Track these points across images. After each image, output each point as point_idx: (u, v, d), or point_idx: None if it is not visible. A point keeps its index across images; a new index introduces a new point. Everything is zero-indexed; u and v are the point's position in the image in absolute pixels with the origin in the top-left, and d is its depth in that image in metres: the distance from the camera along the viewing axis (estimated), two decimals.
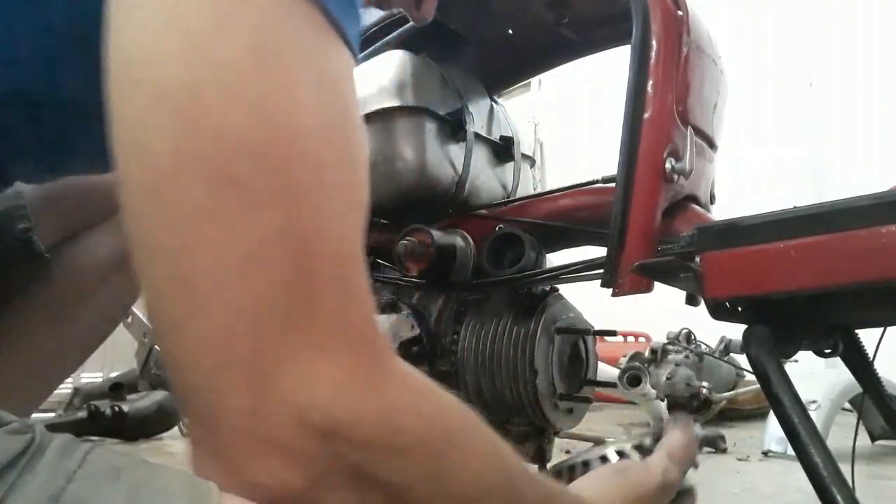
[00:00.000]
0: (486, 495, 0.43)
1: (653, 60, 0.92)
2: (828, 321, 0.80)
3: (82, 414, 2.30)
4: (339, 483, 0.37)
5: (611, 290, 0.89)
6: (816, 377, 1.93)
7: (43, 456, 0.31)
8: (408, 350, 1.06)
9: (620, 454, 0.56)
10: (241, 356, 0.35)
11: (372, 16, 1.25)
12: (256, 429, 0.35)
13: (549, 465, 0.58)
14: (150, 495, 0.32)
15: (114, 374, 2.69)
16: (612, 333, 1.18)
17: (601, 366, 1.20)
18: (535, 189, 1.40)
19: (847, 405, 2.06)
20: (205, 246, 0.35)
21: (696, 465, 0.68)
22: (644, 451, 0.57)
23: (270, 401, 0.35)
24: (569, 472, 0.60)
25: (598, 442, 2.12)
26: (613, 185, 0.93)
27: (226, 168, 0.35)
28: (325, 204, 0.38)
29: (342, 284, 0.38)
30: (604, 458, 0.56)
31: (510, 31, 1.25)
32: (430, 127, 1.08)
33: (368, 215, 0.41)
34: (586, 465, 0.59)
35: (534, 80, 4.62)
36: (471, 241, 1.08)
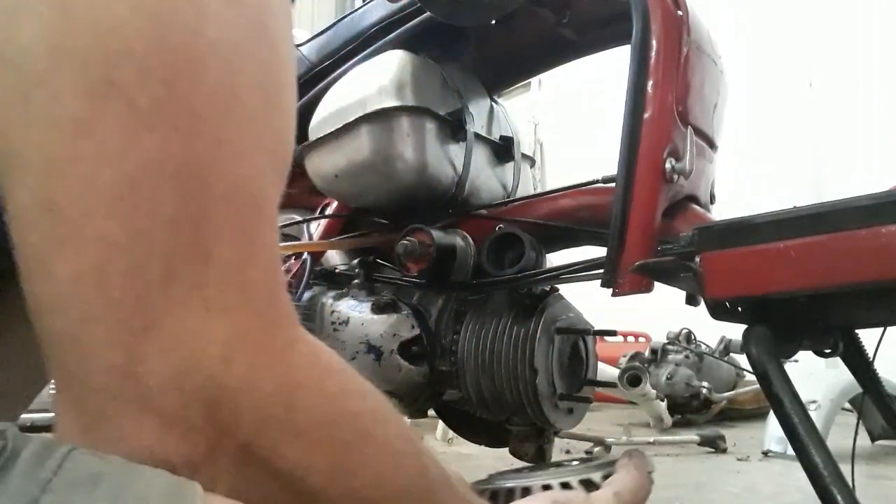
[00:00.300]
0: (395, 499, 0.37)
1: (653, 60, 0.92)
2: (828, 321, 0.80)
3: None
4: (227, 464, 0.33)
5: (611, 290, 0.89)
6: (816, 377, 1.94)
7: (15, 464, 0.29)
8: (408, 350, 1.06)
9: (565, 486, 0.54)
10: (115, 302, 0.30)
11: (372, 16, 1.25)
12: (128, 389, 0.31)
13: (470, 483, 0.55)
14: (129, 502, 0.29)
15: None
16: (612, 333, 1.18)
17: (601, 366, 1.20)
18: (535, 189, 1.40)
19: (847, 405, 2.06)
20: (76, 165, 0.30)
21: None
22: (591, 486, 0.54)
23: (146, 357, 0.31)
24: (492, 497, 0.57)
25: (599, 442, 2.12)
26: (613, 185, 0.93)
27: (107, 73, 0.30)
28: (227, 136, 0.33)
29: (243, 234, 0.33)
30: (546, 487, 0.54)
31: (508, 29, 1.25)
32: (430, 127, 1.08)
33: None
34: (511, 494, 0.56)
35: (534, 80, 4.63)
36: (471, 241, 1.08)
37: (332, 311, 1.12)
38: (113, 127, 0.30)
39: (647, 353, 2.70)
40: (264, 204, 0.35)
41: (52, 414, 0.35)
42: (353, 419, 0.36)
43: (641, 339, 3.46)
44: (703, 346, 2.75)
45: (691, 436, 2.25)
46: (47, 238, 0.30)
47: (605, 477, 0.55)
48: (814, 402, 1.88)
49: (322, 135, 1.12)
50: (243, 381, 0.32)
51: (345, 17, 1.35)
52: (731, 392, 2.80)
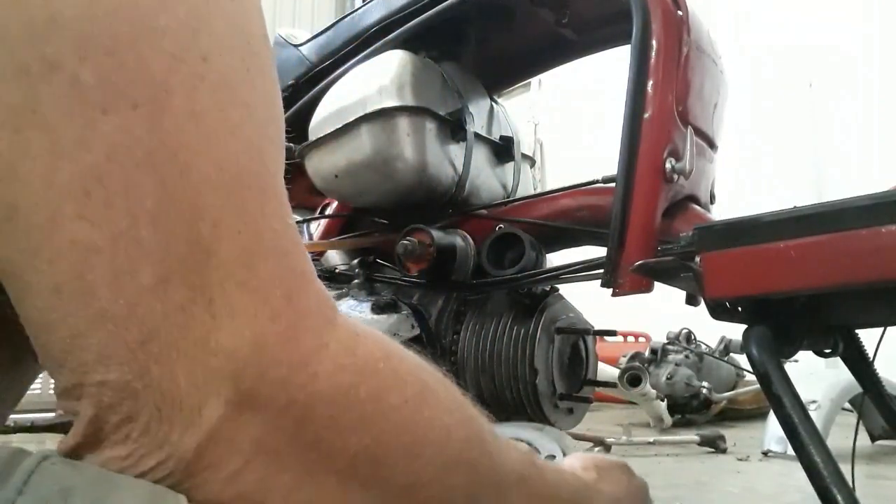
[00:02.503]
0: (450, 467, 0.36)
1: (653, 60, 0.92)
2: (828, 321, 0.79)
3: None
4: (283, 464, 0.30)
5: (611, 290, 0.89)
6: (816, 377, 1.94)
7: None
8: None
9: None
10: (104, 315, 0.27)
11: (372, 16, 1.25)
12: (128, 408, 0.28)
13: None
14: None
15: None
16: (612, 333, 1.18)
17: (601, 366, 1.20)
18: (535, 189, 1.40)
19: (847, 405, 2.06)
20: (28, 161, 0.26)
21: None
22: None
23: (146, 374, 0.27)
24: None
25: (599, 442, 2.12)
26: (613, 185, 0.93)
27: (38, 49, 0.26)
28: (200, 106, 0.28)
29: (244, 222, 0.29)
30: None
31: (508, 29, 1.25)
32: (431, 127, 1.08)
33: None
34: None
35: (534, 80, 4.63)
36: (471, 241, 1.08)
37: None
38: (60, 112, 0.26)
39: (647, 353, 2.70)
40: (265, 182, 0.30)
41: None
42: (392, 413, 0.33)
43: (641, 339, 3.46)
44: (703, 346, 2.75)
45: (691, 436, 2.24)
46: (18, 250, 0.27)
47: None
48: (814, 402, 1.88)
49: (322, 135, 1.12)
50: (261, 399, 0.29)
51: (345, 17, 1.35)
52: (731, 392, 2.80)
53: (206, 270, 0.28)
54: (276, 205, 0.31)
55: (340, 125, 1.09)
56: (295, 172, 1.30)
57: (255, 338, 0.28)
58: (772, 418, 2.02)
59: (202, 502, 0.29)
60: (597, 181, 1.06)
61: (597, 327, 1.13)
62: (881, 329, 0.84)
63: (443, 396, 0.38)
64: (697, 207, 0.98)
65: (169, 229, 0.27)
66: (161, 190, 0.27)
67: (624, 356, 2.57)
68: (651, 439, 2.24)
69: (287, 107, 1.36)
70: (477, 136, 1.17)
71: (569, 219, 1.07)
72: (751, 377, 0.73)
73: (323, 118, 1.13)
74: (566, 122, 4.77)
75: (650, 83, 0.91)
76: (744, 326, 0.74)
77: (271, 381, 0.29)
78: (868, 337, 0.85)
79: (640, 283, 0.87)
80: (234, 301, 0.28)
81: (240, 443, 0.29)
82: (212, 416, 0.28)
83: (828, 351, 0.81)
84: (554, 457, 0.57)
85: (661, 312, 1.85)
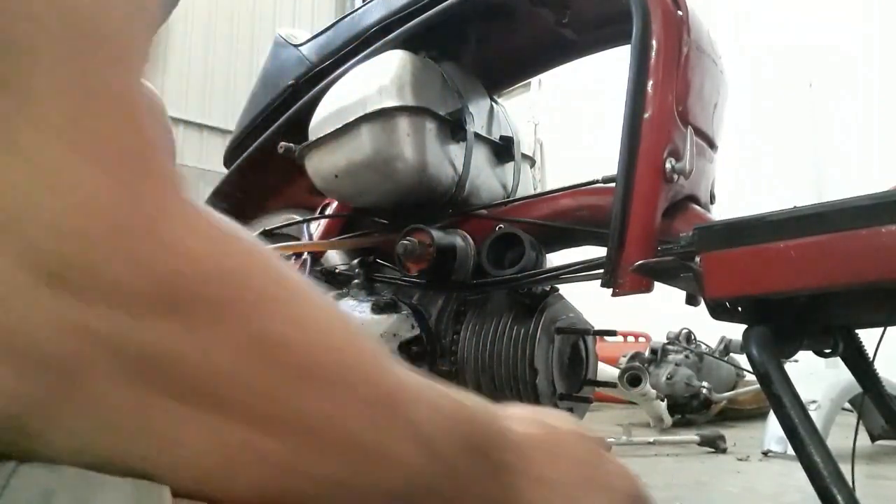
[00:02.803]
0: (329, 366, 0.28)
1: (653, 60, 0.92)
2: (828, 321, 0.80)
3: None
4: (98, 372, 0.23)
5: (611, 290, 0.89)
6: (816, 377, 1.94)
7: None
8: (408, 350, 1.06)
9: None
10: None
11: (372, 16, 1.25)
12: None
13: None
14: None
15: None
16: (612, 333, 1.18)
17: (601, 366, 1.20)
18: (535, 189, 1.40)
19: (847, 405, 2.06)
20: None
21: None
22: None
23: None
24: None
25: None
26: (613, 185, 0.93)
27: None
28: None
29: (75, 67, 0.24)
30: None
31: (508, 29, 1.25)
32: (430, 127, 1.08)
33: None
34: None
35: (534, 80, 4.63)
36: (471, 241, 1.08)
37: None
38: None
39: (647, 353, 2.71)
40: (111, 35, 0.25)
41: None
42: (271, 302, 0.27)
43: (641, 339, 3.46)
44: (703, 346, 2.75)
45: (691, 436, 2.24)
46: None
47: None
48: (814, 402, 1.88)
49: (322, 135, 1.12)
50: (93, 279, 0.22)
51: (345, 17, 1.35)
52: (731, 392, 2.80)
53: (19, 122, 0.22)
54: (125, 65, 0.25)
55: (340, 125, 1.09)
56: (295, 172, 1.30)
57: (87, 204, 0.23)
58: (772, 418, 2.02)
59: None
60: (597, 181, 1.07)
61: (597, 327, 1.13)
62: (881, 329, 0.84)
63: (316, 295, 0.30)
64: (697, 207, 0.98)
65: None
66: None
67: (624, 356, 2.57)
68: (651, 439, 2.24)
69: (287, 107, 1.36)
70: (477, 136, 1.17)
71: (569, 219, 1.07)
72: (751, 377, 0.73)
73: (323, 118, 1.13)
74: (566, 122, 4.77)
75: (650, 83, 0.91)
76: (744, 326, 0.74)
77: (105, 256, 0.23)
78: (868, 337, 0.85)
79: (640, 283, 0.87)
80: (59, 160, 0.23)
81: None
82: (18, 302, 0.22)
83: (828, 351, 0.81)
84: None
85: (661, 312, 1.85)
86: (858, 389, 0.95)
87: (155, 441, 0.26)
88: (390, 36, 1.19)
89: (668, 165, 0.90)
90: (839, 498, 0.60)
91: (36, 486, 0.24)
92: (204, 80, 5.87)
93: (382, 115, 1.06)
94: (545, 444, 0.40)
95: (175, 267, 0.24)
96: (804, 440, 0.64)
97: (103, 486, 0.25)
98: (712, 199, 1.06)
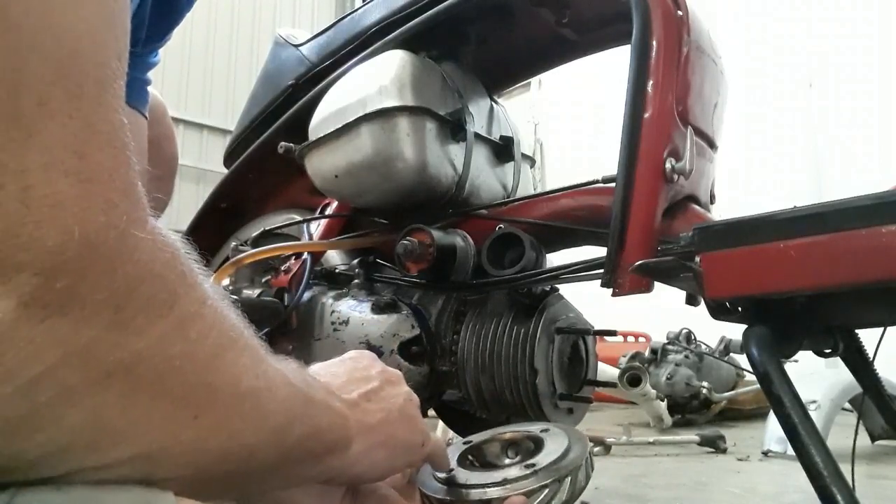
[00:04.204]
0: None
1: (653, 60, 0.92)
2: (828, 321, 0.80)
3: None
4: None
5: (611, 290, 0.89)
6: (816, 377, 1.94)
7: None
8: (408, 350, 1.06)
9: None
10: None
11: (372, 16, 1.25)
12: None
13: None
14: None
15: None
16: (612, 333, 1.18)
17: (601, 366, 1.20)
18: (535, 189, 1.40)
19: (847, 405, 2.06)
20: None
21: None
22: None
23: None
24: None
25: (599, 442, 2.11)
26: (613, 185, 0.93)
27: None
28: None
29: (79, 108, 0.26)
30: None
31: (508, 29, 1.25)
32: (430, 127, 1.08)
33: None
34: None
35: (534, 80, 4.63)
36: (471, 241, 1.08)
37: (333, 311, 1.12)
38: None
39: (647, 353, 2.70)
40: (104, 75, 0.27)
41: None
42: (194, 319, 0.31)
43: (641, 339, 3.46)
44: (703, 346, 2.75)
45: (691, 436, 2.24)
46: None
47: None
48: (814, 402, 1.88)
49: (322, 135, 1.12)
50: (78, 298, 0.25)
51: (345, 17, 1.35)
52: (731, 392, 2.80)
53: (24, 153, 0.24)
54: (113, 99, 0.27)
55: (340, 125, 1.09)
56: (295, 172, 1.30)
57: (85, 233, 0.25)
58: (772, 418, 2.02)
59: None
60: (597, 181, 1.07)
61: (597, 327, 1.13)
62: (881, 329, 0.84)
63: (228, 312, 0.35)
64: (697, 207, 0.98)
65: None
66: None
67: (624, 356, 2.57)
68: (651, 439, 2.24)
69: (287, 107, 1.36)
70: (477, 136, 1.17)
71: (569, 219, 1.07)
72: (751, 377, 0.73)
73: (323, 118, 1.13)
74: (566, 122, 4.77)
75: (650, 83, 0.91)
76: (744, 326, 0.74)
77: (96, 278, 0.26)
78: (868, 337, 0.85)
79: (640, 283, 0.87)
80: (59, 191, 0.25)
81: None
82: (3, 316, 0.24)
83: (828, 351, 0.81)
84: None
85: (661, 312, 1.85)
86: (858, 389, 0.95)
87: (149, 438, 0.29)
88: (390, 36, 1.19)
89: (668, 165, 0.90)
90: (839, 498, 0.60)
91: None
92: (204, 80, 5.87)
93: (382, 115, 1.06)
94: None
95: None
96: (804, 440, 0.64)
97: (105, 499, 0.26)
98: (712, 199, 1.06)
